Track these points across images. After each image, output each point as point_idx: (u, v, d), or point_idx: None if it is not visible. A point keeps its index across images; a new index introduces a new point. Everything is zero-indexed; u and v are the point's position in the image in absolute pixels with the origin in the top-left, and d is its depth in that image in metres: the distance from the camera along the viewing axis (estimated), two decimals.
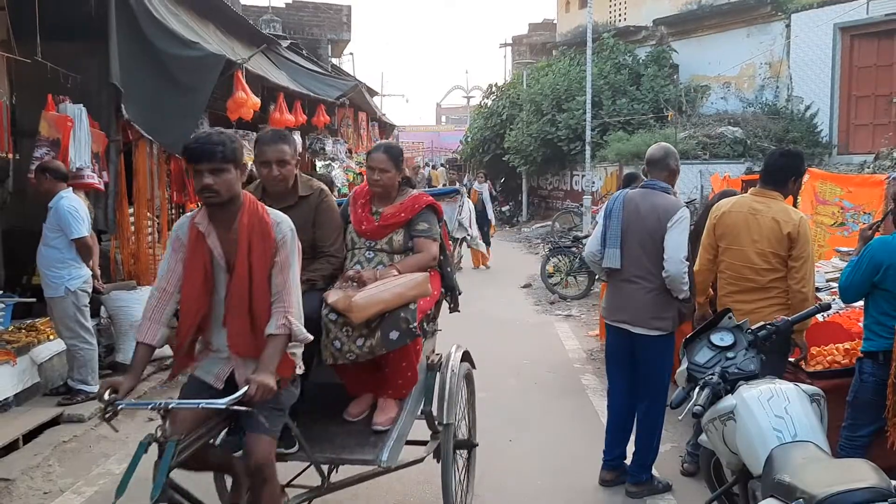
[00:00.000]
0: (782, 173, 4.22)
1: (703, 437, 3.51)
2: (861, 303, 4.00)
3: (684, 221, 4.20)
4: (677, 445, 5.09)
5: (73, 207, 5.56)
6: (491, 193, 14.67)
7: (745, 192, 4.68)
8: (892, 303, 3.66)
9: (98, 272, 6.00)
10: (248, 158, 8.05)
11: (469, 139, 26.13)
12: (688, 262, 4.18)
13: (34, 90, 6.18)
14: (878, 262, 3.68)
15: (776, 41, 16.46)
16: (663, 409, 4.39)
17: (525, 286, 12.10)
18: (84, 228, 5.59)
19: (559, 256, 11.49)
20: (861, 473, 2.47)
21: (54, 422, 5.46)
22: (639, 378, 4.43)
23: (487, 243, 14.04)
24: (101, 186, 6.50)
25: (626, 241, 4.32)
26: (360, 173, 13.71)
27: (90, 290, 5.80)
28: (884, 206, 6.21)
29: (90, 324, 5.87)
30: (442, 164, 38.61)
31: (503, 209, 23.87)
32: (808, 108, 15.39)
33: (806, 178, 7.95)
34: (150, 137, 6.80)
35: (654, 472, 4.54)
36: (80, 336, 5.73)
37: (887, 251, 3.67)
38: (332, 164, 12.12)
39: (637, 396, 4.47)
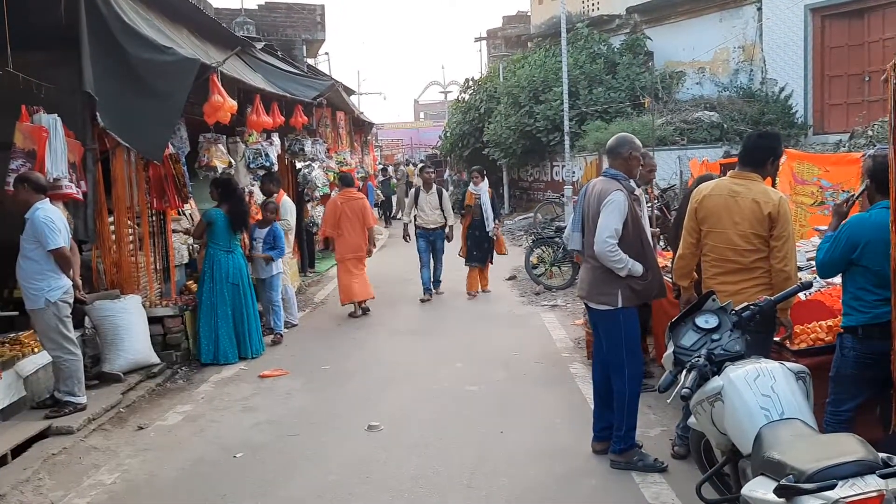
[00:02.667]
0: (760, 155, 4.28)
1: (691, 419, 3.56)
2: (839, 279, 4.07)
3: (612, 204, 4.48)
4: (667, 429, 5.14)
5: (49, 218, 5.50)
6: (492, 198, 10.87)
7: (724, 175, 4.75)
8: (868, 278, 3.71)
9: (79, 282, 5.93)
10: (223, 161, 8.04)
11: (448, 134, 26.11)
12: (612, 241, 4.44)
13: (7, 101, 6.09)
14: (855, 240, 3.73)
15: (748, 24, 16.58)
16: (628, 382, 4.58)
17: (510, 278, 12.13)
18: (60, 239, 5.53)
19: (543, 247, 11.53)
20: (848, 447, 2.51)
21: (42, 435, 5.40)
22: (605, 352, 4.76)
23: (483, 262, 10.80)
24: (80, 196, 6.43)
25: (585, 224, 4.71)
26: (340, 172, 13.65)
27: (71, 301, 5.74)
28: (860, 183, 6.28)
29: (73, 334, 5.82)
30: (421, 161, 38.65)
31: None
32: (782, 89, 15.52)
33: (783, 159, 8.03)
34: (127, 145, 6.74)
35: (642, 448, 4.65)
36: (64, 347, 5.68)
37: (865, 228, 3.72)
38: (312, 164, 12.07)
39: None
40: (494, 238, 10.79)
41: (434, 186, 10.75)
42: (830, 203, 7.72)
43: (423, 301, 10.53)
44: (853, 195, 4.09)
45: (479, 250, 10.73)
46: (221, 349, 7.39)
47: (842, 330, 3.91)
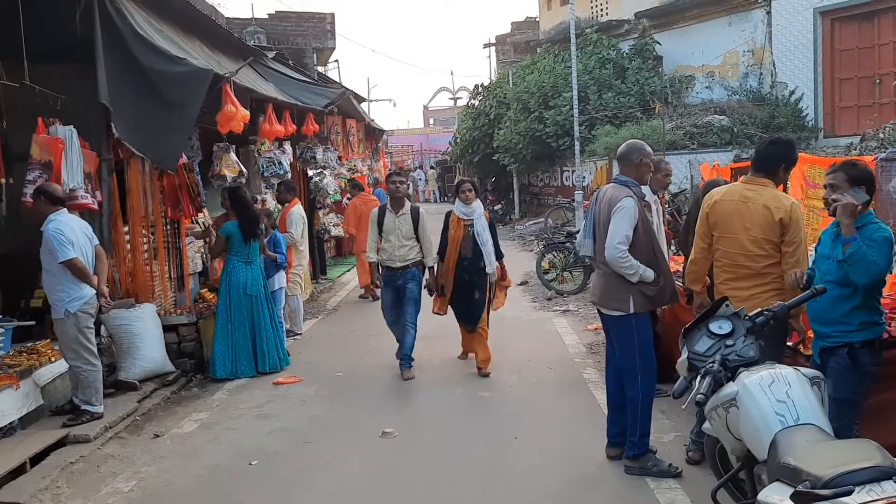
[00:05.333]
0: (773, 161, 4.29)
1: (706, 424, 3.56)
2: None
3: (622, 210, 4.50)
4: (681, 434, 5.14)
5: (59, 230, 5.54)
6: (491, 225, 7.17)
7: (735, 180, 4.75)
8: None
9: (105, 290, 5.92)
10: (232, 170, 8.10)
11: (458, 140, 26.17)
12: (623, 248, 4.45)
13: (24, 113, 6.19)
14: None
15: (757, 28, 16.55)
16: (641, 389, 4.59)
17: (521, 284, 12.14)
18: (71, 251, 5.54)
19: (554, 252, 11.54)
20: (865, 453, 2.52)
21: (60, 443, 5.45)
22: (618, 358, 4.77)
23: (474, 320, 7.08)
24: (95, 206, 6.51)
25: (596, 231, 4.72)
26: (352, 179, 13.72)
27: (94, 312, 5.78)
28: (878, 185, 6.24)
29: (94, 345, 5.86)
30: (431, 167, 38.69)
31: (496, 208, 23.93)
32: (792, 93, 15.48)
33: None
34: (142, 155, 6.81)
35: (656, 453, 4.66)
36: (83, 357, 5.73)
37: None
38: (324, 172, 12.13)
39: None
40: (493, 282, 7.17)
41: (407, 205, 7.16)
42: None
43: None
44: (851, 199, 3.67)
45: (468, 303, 7.08)
46: (239, 364, 7.24)
47: (857, 346, 3.65)
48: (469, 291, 7.06)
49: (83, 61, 6.51)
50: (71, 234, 5.62)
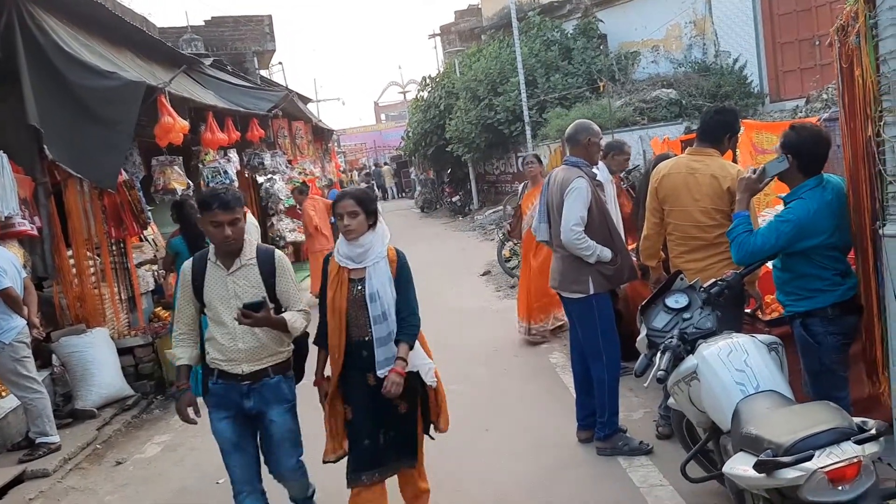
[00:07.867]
0: (717, 130, 4.28)
1: (671, 400, 3.54)
2: None
3: (575, 191, 4.47)
4: (650, 410, 5.14)
5: None
6: (402, 271, 3.58)
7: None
8: (817, 260, 3.46)
9: (36, 321, 5.78)
10: (181, 183, 7.87)
11: (410, 134, 26.04)
12: (579, 229, 4.43)
13: None
14: (803, 234, 3.43)
15: None
16: (607, 368, 4.58)
17: (484, 273, 12.09)
18: (6, 280, 5.38)
19: (515, 240, 11.48)
20: (823, 416, 2.50)
21: (18, 480, 5.26)
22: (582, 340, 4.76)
23: (407, 451, 3.84)
24: (35, 232, 6.29)
25: (550, 215, 4.70)
26: (304, 182, 13.52)
27: (28, 341, 5.60)
28: (776, 158, 6.22)
29: (35, 373, 5.69)
30: (386, 163, 38.49)
31: (453, 199, 23.85)
32: (735, 60, 15.67)
33: (741, 130, 8.06)
34: (79, 175, 6.59)
35: (626, 432, 4.66)
36: (26, 387, 5.56)
37: (810, 220, 3.42)
38: (274, 177, 11.93)
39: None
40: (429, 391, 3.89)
41: (250, 248, 3.58)
42: None
43: None
44: (763, 169, 3.64)
45: (377, 435, 3.77)
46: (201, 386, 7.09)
47: (800, 316, 3.53)
48: (382, 404, 3.67)
49: (7, 83, 6.27)
50: (4, 263, 5.43)
